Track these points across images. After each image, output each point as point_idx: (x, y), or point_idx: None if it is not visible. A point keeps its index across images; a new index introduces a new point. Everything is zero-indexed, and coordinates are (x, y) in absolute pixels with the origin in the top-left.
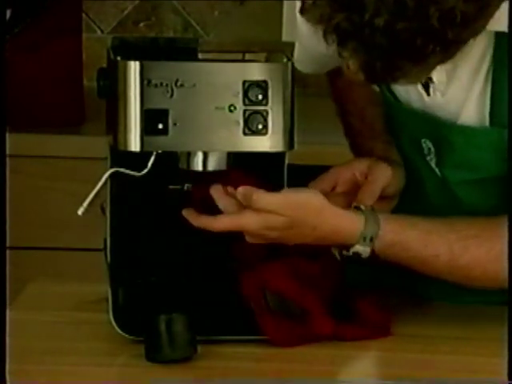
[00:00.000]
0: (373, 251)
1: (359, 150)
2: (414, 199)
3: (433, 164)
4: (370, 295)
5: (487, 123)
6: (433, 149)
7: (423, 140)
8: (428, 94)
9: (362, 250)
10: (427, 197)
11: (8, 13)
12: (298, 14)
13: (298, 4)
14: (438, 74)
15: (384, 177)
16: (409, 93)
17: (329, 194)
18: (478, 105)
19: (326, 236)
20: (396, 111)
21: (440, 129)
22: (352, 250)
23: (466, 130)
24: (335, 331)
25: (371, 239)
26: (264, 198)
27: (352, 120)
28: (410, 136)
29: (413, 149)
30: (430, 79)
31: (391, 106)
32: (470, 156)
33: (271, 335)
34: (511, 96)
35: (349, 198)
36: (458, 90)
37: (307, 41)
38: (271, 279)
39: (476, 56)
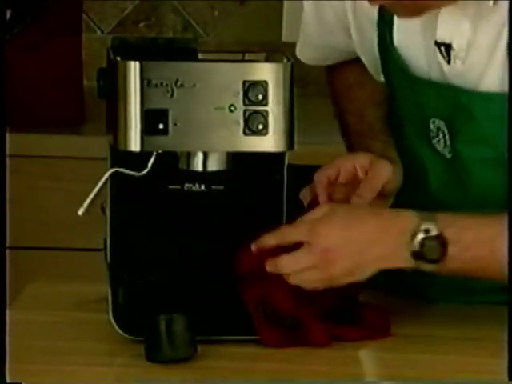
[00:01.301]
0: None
1: (356, 150)
2: (416, 190)
3: (440, 146)
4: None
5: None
6: (443, 127)
7: (432, 120)
8: (448, 63)
9: (432, 226)
10: (430, 187)
11: (8, 13)
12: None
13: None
14: (458, 41)
15: (385, 173)
16: (430, 65)
17: (331, 184)
18: (499, 72)
19: (382, 233)
20: (409, 88)
21: (459, 97)
22: (423, 227)
23: (486, 97)
24: (335, 335)
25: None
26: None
27: (350, 119)
28: (418, 118)
29: (418, 135)
30: (450, 46)
31: (404, 83)
32: (489, 127)
33: (264, 336)
34: (511, 95)
35: (348, 189)
36: (478, 57)
37: (312, 29)
38: (269, 295)
39: (498, 21)
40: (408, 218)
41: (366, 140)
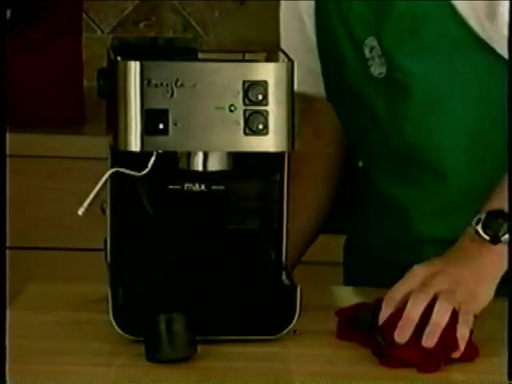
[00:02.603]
0: None
1: None
2: (367, 127)
3: (376, 66)
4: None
5: None
6: (373, 41)
7: (365, 43)
8: None
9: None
10: (380, 122)
11: (8, 13)
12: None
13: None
14: None
15: None
16: None
17: None
18: None
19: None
20: (338, 13)
21: None
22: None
23: None
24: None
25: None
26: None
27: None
28: (354, 55)
29: (359, 76)
30: None
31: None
32: (407, 7)
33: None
34: (511, 95)
35: None
36: None
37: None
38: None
39: None
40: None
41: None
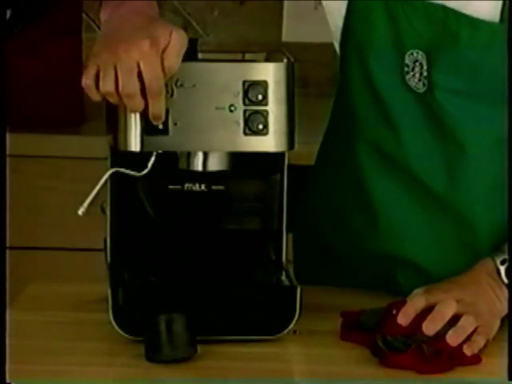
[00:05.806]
0: None
1: None
2: (380, 131)
3: (414, 81)
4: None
5: (497, 20)
6: (422, 58)
7: (410, 52)
8: None
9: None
10: (397, 126)
11: (8, 13)
12: None
13: None
14: None
15: None
16: None
17: None
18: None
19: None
20: (389, 16)
21: (446, 19)
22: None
23: (474, 23)
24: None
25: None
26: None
27: None
28: (391, 54)
29: (388, 72)
30: None
31: (383, 12)
32: (472, 55)
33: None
34: (511, 94)
35: None
36: None
37: None
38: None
39: None
40: (486, 260)
41: None
